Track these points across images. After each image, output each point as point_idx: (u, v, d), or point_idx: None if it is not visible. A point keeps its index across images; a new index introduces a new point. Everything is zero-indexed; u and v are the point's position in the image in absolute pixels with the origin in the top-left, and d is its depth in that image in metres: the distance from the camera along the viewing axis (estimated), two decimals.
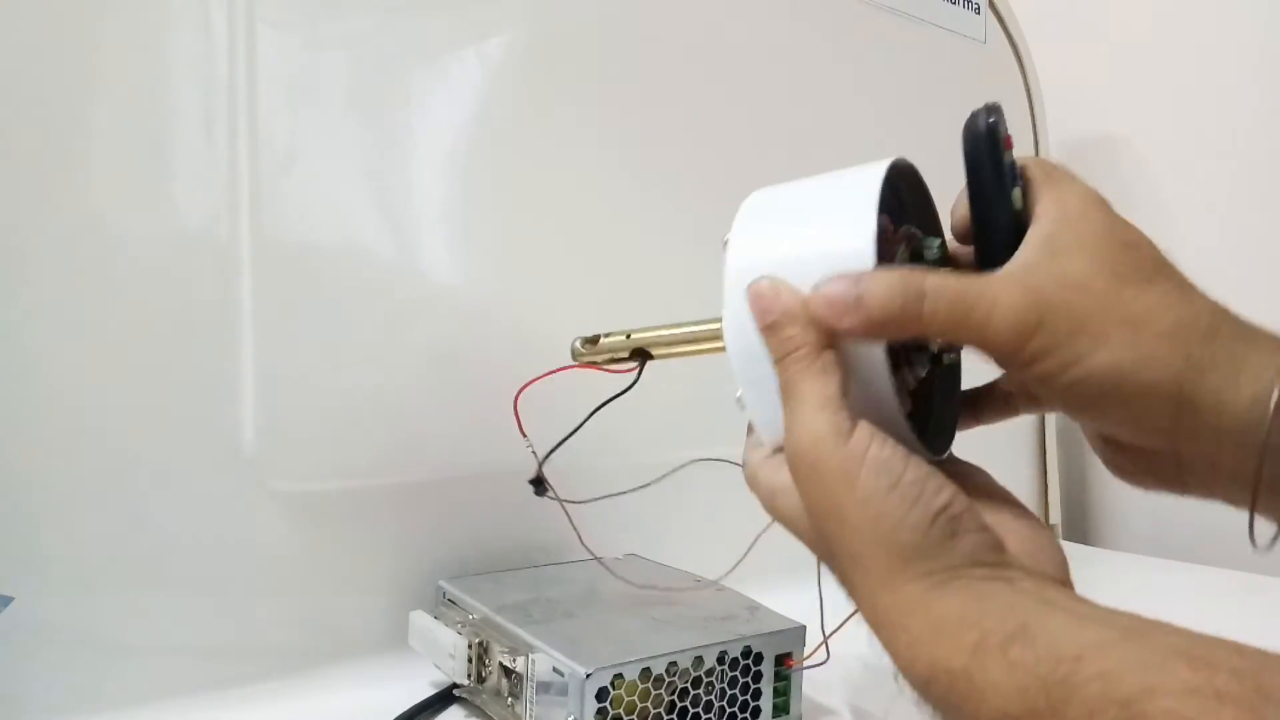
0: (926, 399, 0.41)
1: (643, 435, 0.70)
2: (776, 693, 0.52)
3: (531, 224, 0.71)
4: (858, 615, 0.35)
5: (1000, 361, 0.35)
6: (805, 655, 0.53)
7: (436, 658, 0.56)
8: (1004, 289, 0.34)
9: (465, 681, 0.54)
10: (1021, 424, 1.00)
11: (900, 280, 0.34)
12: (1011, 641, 0.29)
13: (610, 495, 0.52)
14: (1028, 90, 1.06)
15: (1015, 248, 0.36)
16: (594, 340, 0.50)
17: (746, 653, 0.51)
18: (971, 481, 0.38)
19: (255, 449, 0.59)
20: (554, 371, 0.49)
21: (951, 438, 0.42)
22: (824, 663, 0.52)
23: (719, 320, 0.40)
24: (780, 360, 0.36)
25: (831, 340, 0.35)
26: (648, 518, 0.72)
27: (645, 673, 0.48)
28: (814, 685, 0.55)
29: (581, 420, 0.47)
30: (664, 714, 0.49)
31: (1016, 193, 0.38)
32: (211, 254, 0.59)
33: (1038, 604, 0.30)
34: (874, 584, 0.32)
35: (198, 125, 0.59)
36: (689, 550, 0.64)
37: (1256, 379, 0.32)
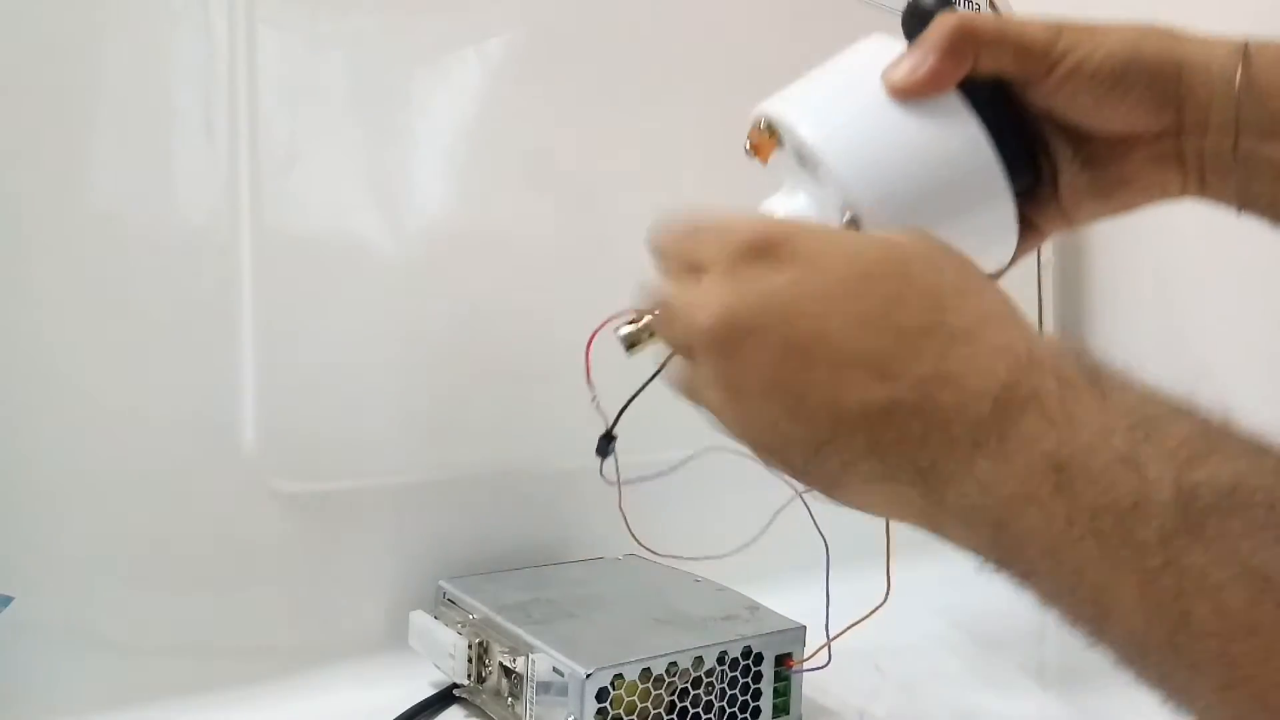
0: None
1: (644, 431, 0.70)
2: (776, 693, 0.52)
3: (532, 224, 0.71)
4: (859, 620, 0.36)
5: (1034, 72, 0.39)
6: (806, 656, 0.53)
7: (436, 658, 0.56)
8: (1023, 19, 0.40)
9: (465, 681, 0.54)
10: None
11: (955, 18, 0.39)
12: None
13: (652, 475, 0.50)
14: None
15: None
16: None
17: (746, 653, 0.51)
18: None
19: (255, 449, 0.59)
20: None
21: None
22: (825, 665, 0.52)
23: None
24: None
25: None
26: (648, 515, 0.71)
27: (645, 673, 0.48)
28: (814, 686, 0.55)
29: (651, 375, 0.43)
30: (664, 714, 0.49)
31: None
32: (212, 253, 0.59)
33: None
34: None
35: (198, 125, 0.59)
36: (689, 550, 0.64)
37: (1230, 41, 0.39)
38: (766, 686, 0.52)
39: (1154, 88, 0.39)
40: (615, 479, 0.49)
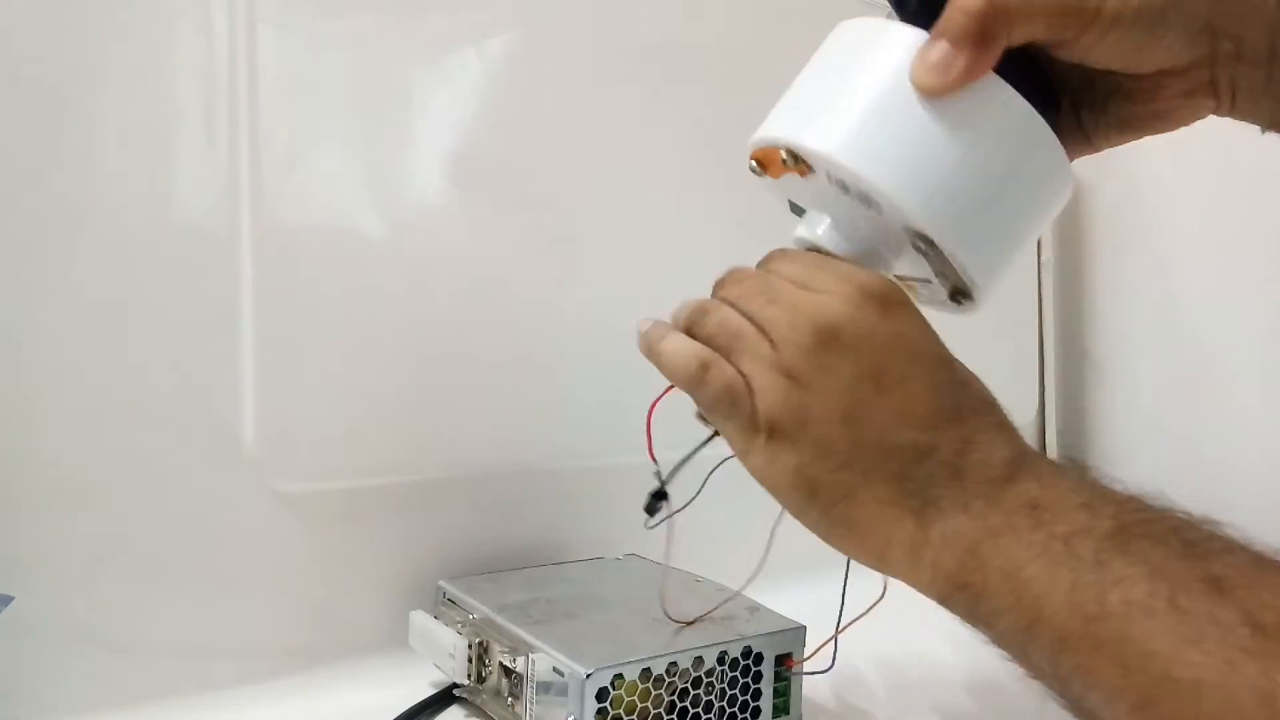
0: None
1: (640, 433, 0.70)
2: (776, 693, 0.52)
3: (533, 224, 0.71)
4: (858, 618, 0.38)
5: (1069, 33, 0.38)
6: (806, 656, 0.53)
7: (436, 658, 0.56)
8: None
9: (465, 681, 0.54)
10: (1021, 424, 1.00)
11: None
12: None
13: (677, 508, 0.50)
14: None
15: None
16: None
17: (746, 653, 0.51)
18: None
19: (255, 449, 0.59)
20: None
21: None
22: (829, 669, 0.52)
23: None
24: None
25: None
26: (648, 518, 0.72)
27: (645, 673, 0.48)
28: (814, 686, 0.55)
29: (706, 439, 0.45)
30: (664, 714, 0.49)
31: None
32: (212, 253, 0.59)
33: None
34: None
35: (198, 124, 0.59)
36: (689, 550, 0.64)
37: None
38: (766, 686, 0.52)
39: (1191, 24, 0.37)
40: (665, 535, 0.50)
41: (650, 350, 0.43)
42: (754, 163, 0.43)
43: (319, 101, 0.63)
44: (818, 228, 0.44)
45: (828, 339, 0.39)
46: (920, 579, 0.38)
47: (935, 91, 0.38)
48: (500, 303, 0.69)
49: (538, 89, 0.71)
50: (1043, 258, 1.00)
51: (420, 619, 0.57)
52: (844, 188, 0.41)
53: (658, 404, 0.45)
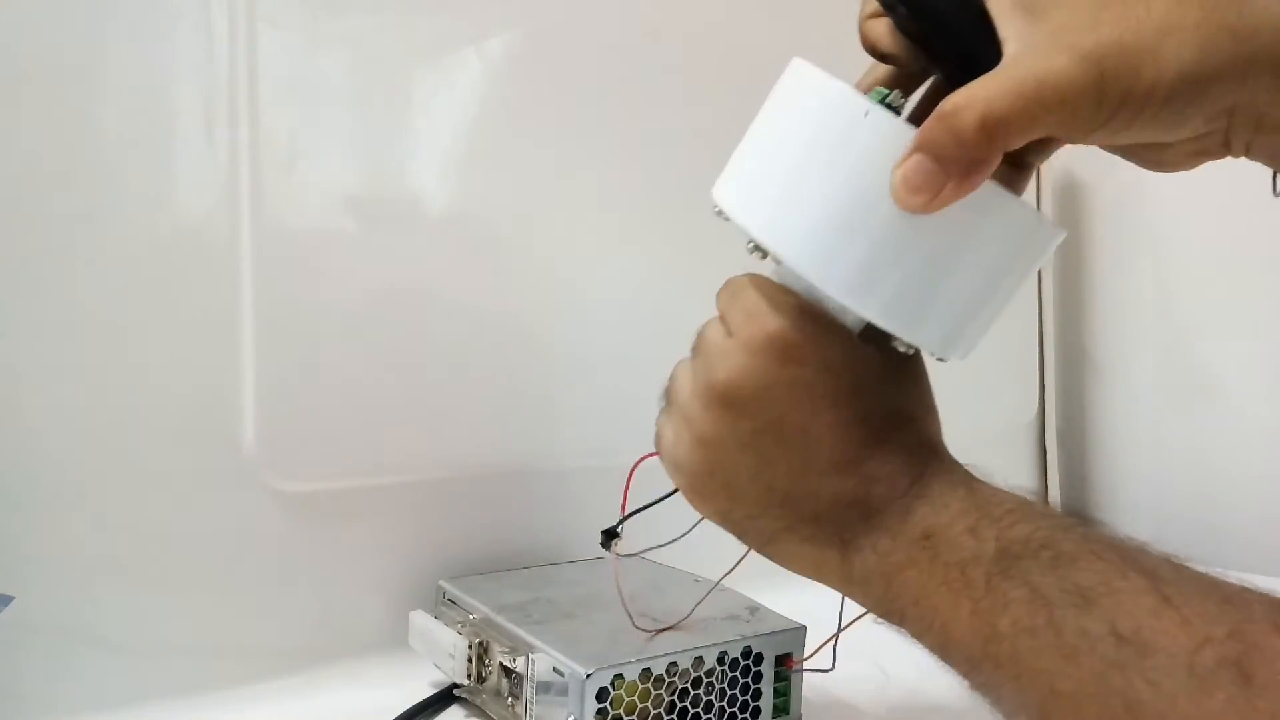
0: None
1: (640, 434, 0.70)
2: (776, 693, 0.52)
3: (533, 224, 0.71)
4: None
5: (1080, 131, 0.34)
6: (807, 656, 0.53)
7: (436, 658, 0.56)
8: (1043, 61, 0.32)
9: (465, 681, 0.54)
10: (1021, 424, 1.00)
11: (970, 112, 0.33)
12: None
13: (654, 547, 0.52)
14: None
15: (989, 31, 0.34)
16: None
17: (746, 653, 0.51)
18: None
19: (255, 449, 0.59)
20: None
21: None
22: (830, 669, 0.52)
23: None
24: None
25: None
26: (648, 518, 0.71)
27: (645, 673, 0.48)
28: (814, 686, 0.55)
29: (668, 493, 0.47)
30: (664, 714, 0.49)
31: None
32: (212, 253, 0.59)
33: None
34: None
35: (198, 124, 0.59)
36: (689, 550, 0.64)
37: None
38: (766, 686, 0.52)
39: (1214, 108, 0.33)
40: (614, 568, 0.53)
41: None
42: (717, 209, 0.41)
43: (319, 101, 0.63)
44: (773, 264, 0.42)
45: (727, 397, 0.40)
46: (858, 602, 0.41)
47: (918, 211, 0.35)
48: (500, 303, 0.69)
49: (537, 89, 0.71)
50: None
51: (420, 619, 0.57)
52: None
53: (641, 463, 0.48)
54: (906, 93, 0.39)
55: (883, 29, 0.39)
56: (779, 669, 0.52)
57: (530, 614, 0.54)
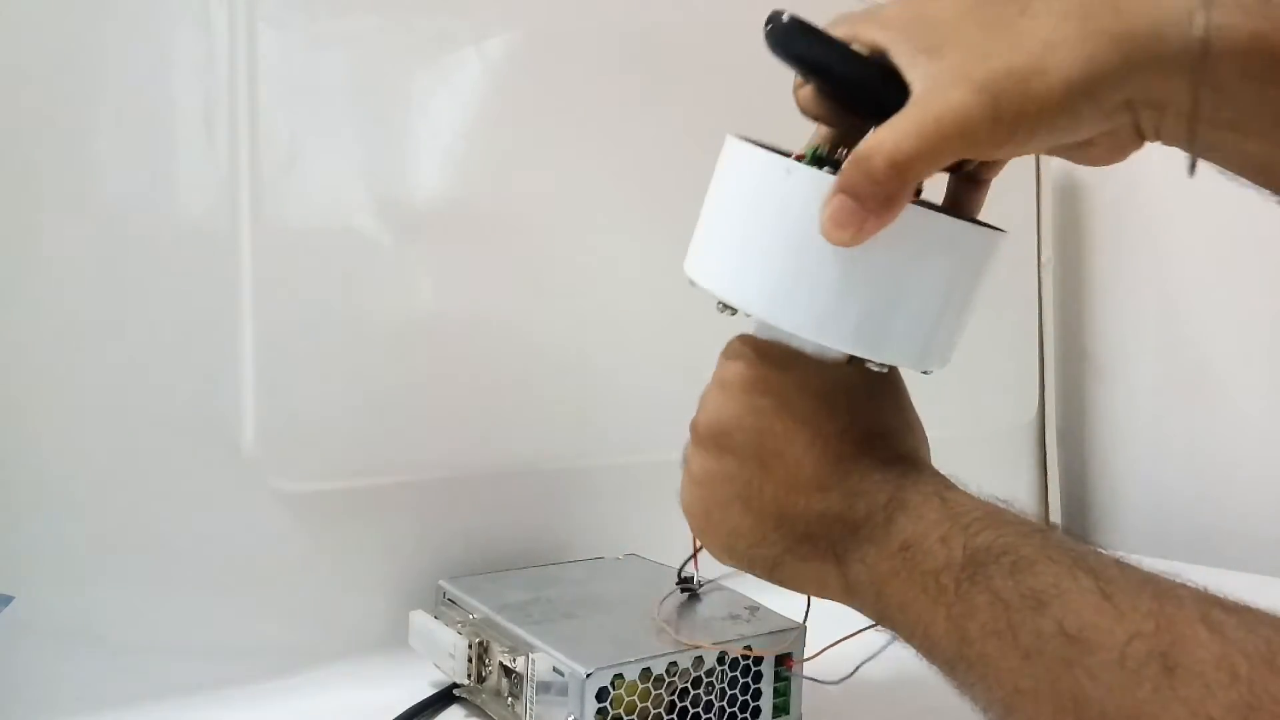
0: None
1: (639, 433, 0.70)
2: (776, 693, 0.52)
3: (532, 224, 0.71)
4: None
5: (983, 157, 0.39)
6: (807, 656, 0.53)
7: (436, 658, 0.56)
8: (940, 97, 0.36)
9: (465, 681, 0.54)
10: (1021, 424, 1.00)
11: (880, 159, 0.36)
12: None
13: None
14: None
15: (890, 79, 0.38)
16: None
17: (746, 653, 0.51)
18: None
19: (255, 449, 0.59)
20: None
21: None
22: (845, 679, 0.53)
23: None
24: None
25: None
26: (648, 518, 0.72)
27: (645, 673, 0.48)
28: (814, 686, 0.55)
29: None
30: (664, 714, 0.49)
31: (854, 45, 0.40)
32: (212, 253, 0.59)
33: None
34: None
35: (198, 124, 0.59)
36: (689, 550, 0.64)
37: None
38: (766, 686, 0.52)
39: (1108, 105, 0.36)
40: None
41: None
42: (690, 280, 0.45)
43: (319, 101, 0.63)
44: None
45: (708, 436, 0.45)
46: (859, 613, 0.43)
47: (849, 244, 0.38)
48: (501, 301, 0.69)
49: (537, 89, 0.71)
50: (1043, 258, 1.00)
51: (420, 619, 0.57)
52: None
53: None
54: (852, 143, 0.41)
55: (809, 96, 0.42)
56: (779, 669, 0.52)
57: (530, 614, 0.54)
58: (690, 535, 0.48)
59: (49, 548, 0.54)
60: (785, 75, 0.43)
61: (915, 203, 0.40)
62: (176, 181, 0.59)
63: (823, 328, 0.41)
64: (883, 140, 0.36)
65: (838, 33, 0.40)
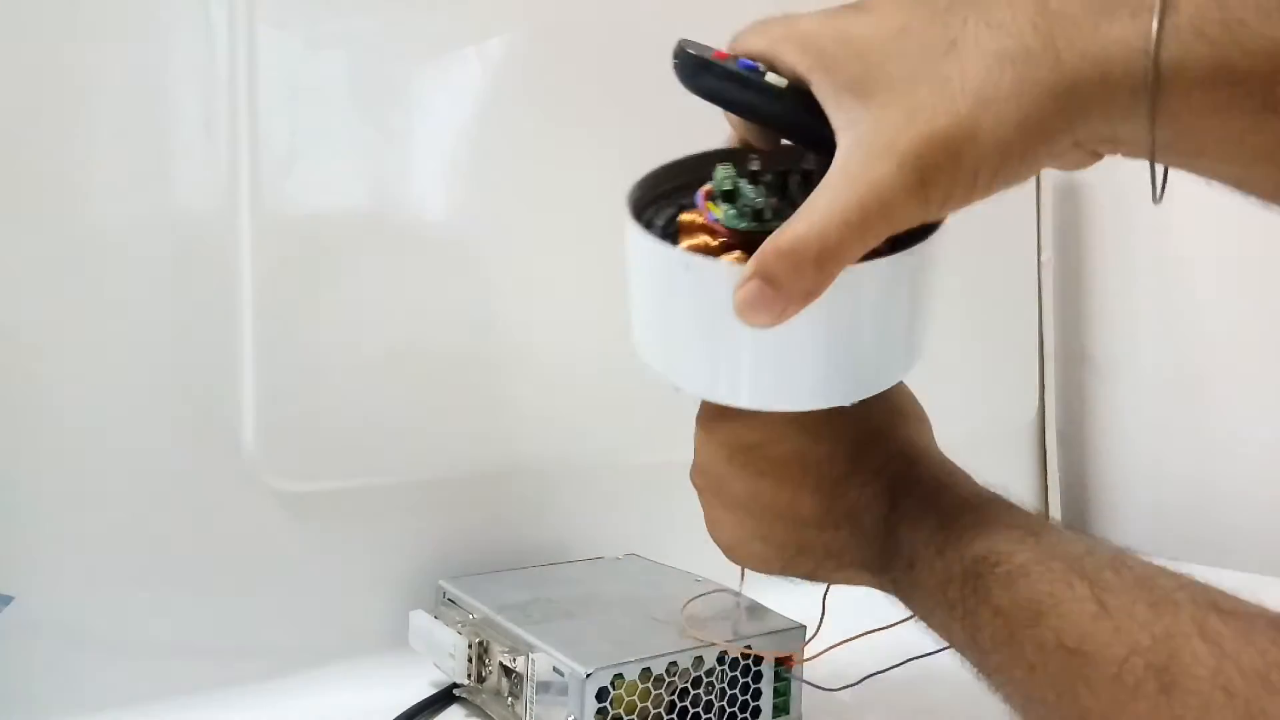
0: None
1: (639, 434, 0.70)
2: (776, 693, 0.52)
3: (532, 224, 0.71)
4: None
5: (923, 220, 0.35)
6: (808, 658, 0.53)
7: (436, 657, 0.56)
8: (866, 174, 0.33)
9: (465, 681, 0.54)
10: (1021, 424, 1.00)
11: (807, 253, 0.34)
12: None
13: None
14: None
15: (814, 108, 0.35)
16: None
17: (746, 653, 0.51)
18: None
19: (255, 449, 0.59)
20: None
21: None
22: (858, 682, 0.53)
23: None
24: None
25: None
26: (648, 518, 0.72)
27: (645, 673, 0.48)
28: (813, 685, 0.55)
29: None
30: (664, 714, 0.49)
31: (769, 75, 0.37)
32: (212, 253, 0.59)
33: None
34: None
35: (198, 125, 0.59)
36: (689, 550, 0.64)
37: (1123, 24, 0.31)
38: (766, 686, 0.52)
39: (1051, 149, 0.34)
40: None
41: None
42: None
43: (319, 101, 0.63)
44: None
45: (709, 493, 0.47)
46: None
47: (768, 326, 0.36)
48: (501, 301, 0.69)
49: (538, 90, 0.71)
50: (1043, 258, 1.00)
51: (420, 619, 0.57)
52: None
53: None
54: (775, 163, 0.41)
55: (736, 122, 0.42)
56: (779, 669, 0.52)
57: (530, 614, 0.54)
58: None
59: (49, 548, 0.54)
60: None
61: None
62: (176, 181, 0.59)
63: (775, 399, 0.40)
64: (810, 235, 0.34)
65: (755, 47, 0.38)
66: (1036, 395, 1.00)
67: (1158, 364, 0.97)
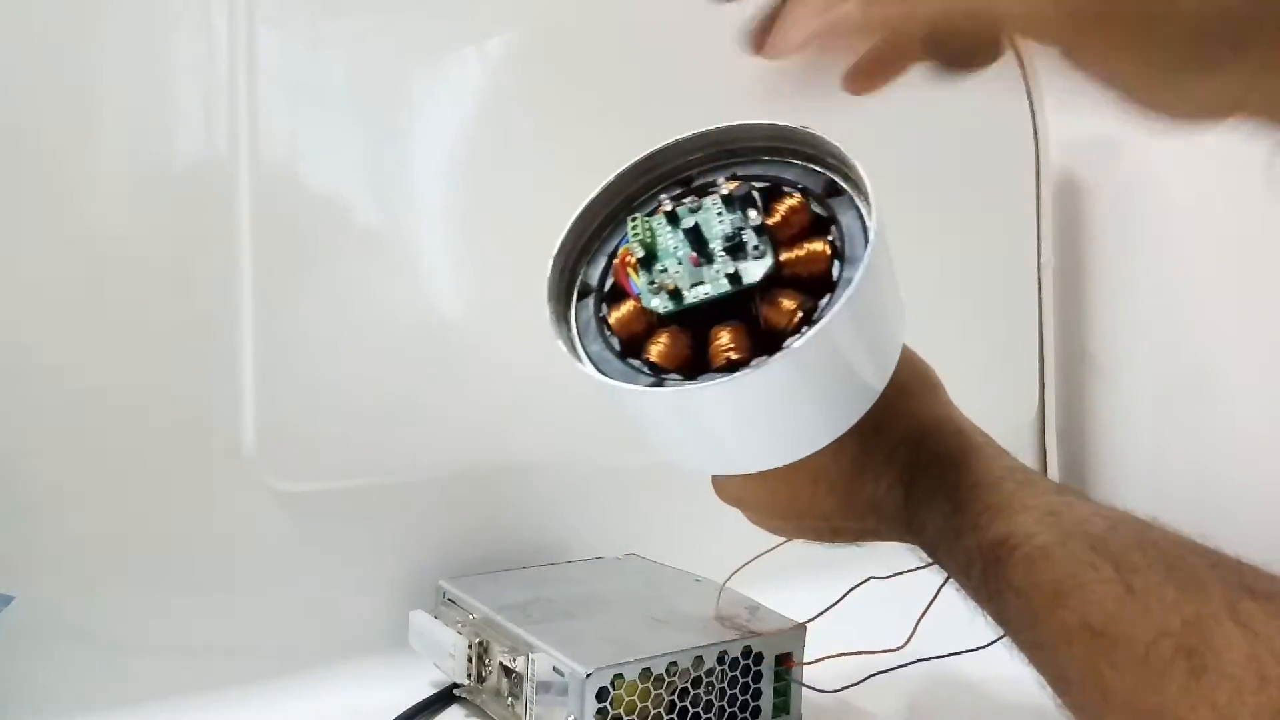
0: None
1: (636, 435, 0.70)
2: (776, 693, 0.52)
3: (533, 223, 0.71)
4: None
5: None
6: (809, 661, 0.53)
7: (436, 657, 0.56)
8: None
9: (465, 681, 0.54)
10: (1021, 424, 1.00)
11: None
12: None
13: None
14: (1028, 89, 1.07)
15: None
16: None
17: (746, 653, 0.51)
18: None
19: (255, 449, 0.59)
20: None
21: None
22: (859, 682, 0.53)
23: None
24: None
25: None
26: (648, 518, 0.71)
27: (645, 673, 0.48)
28: (814, 686, 0.55)
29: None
30: (664, 714, 0.49)
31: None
32: (212, 253, 0.59)
33: None
34: None
35: (198, 125, 0.59)
36: (689, 550, 0.64)
37: None
38: (766, 686, 0.52)
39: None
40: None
41: None
42: None
43: (319, 101, 0.63)
44: None
45: (735, 504, 0.50)
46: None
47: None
48: (500, 302, 0.69)
49: (538, 90, 0.71)
50: (1043, 258, 1.00)
51: (420, 619, 0.57)
52: None
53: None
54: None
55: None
56: (779, 669, 0.52)
57: (530, 614, 0.54)
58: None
59: (49, 548, 0.54)
60: None
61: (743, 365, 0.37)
62: (176, 181, 0.58)
63: (768, 460, 0.41)
64: None
65: None
66: (1036, 395, 1.00)
67: (1158, 364, 0.97)
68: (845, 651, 0.52)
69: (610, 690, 0.47)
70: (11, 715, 0.53)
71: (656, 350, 0.39)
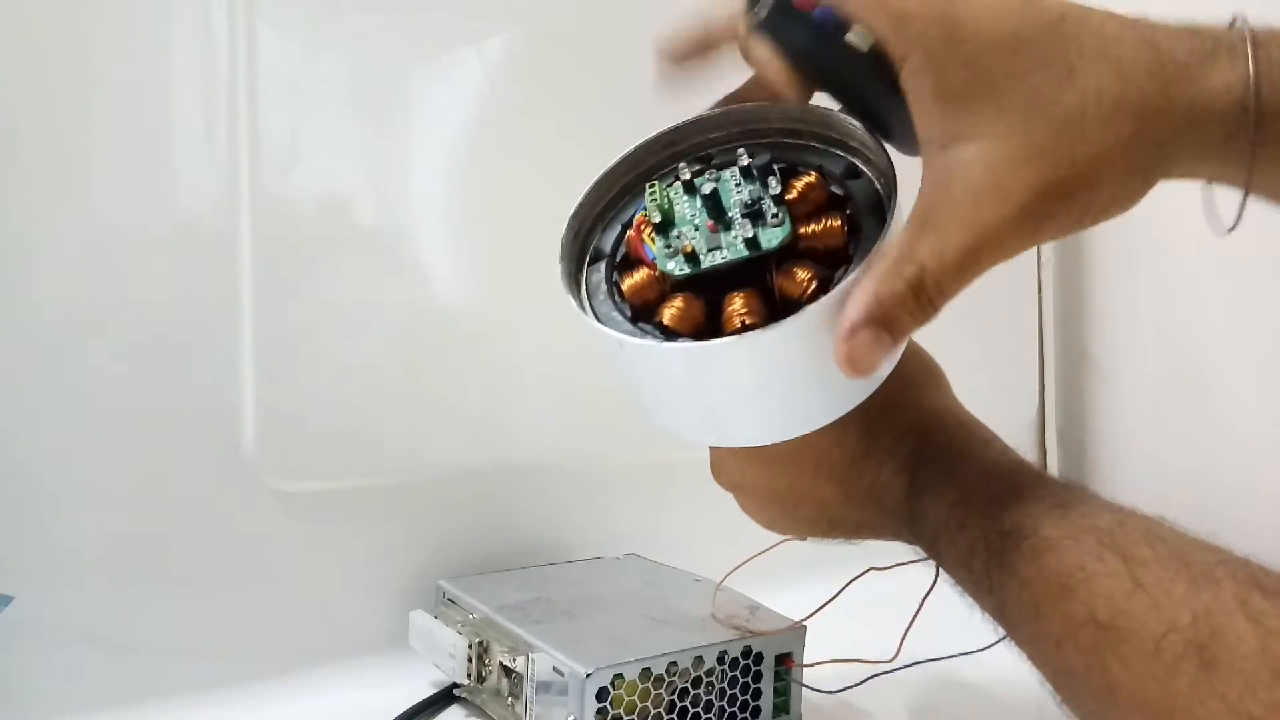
0: None
1: (640, 433, 0.70)
2: (776, 693, 0.52)
3: (533, 223, 0.71)
4: None
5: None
6: (809, 664, 0.53)
7: (436, 657, 0.56)
8: (984, 213, 0.34)
9: (465, 681, 0.54)
10: (1021, 424, 1.00)
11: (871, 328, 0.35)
12: None
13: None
14: None
15: (885, 78, 0.34)
16: None
17: (746, 653, 0.51)
18: None
19: (255, 449, 0.59)
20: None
21: None
22: (859, 683, 0.53)
23: None
24: None
25: None
26: (648, 518, 0.71)
27: (645, 673, 0.48)
28: (814, 685, 0.55)
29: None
30: (664, 714, 0.49)
31: (851, 34, 0.36)
32: (212, 254, 0.59)
33: None
34: None
35: (198, 124, 0.59)
36: (689, 550, 0.64)
37: (1224, 70, 0.34)
38: (766, 686, 0.52)
39: (1150, 187, 0.36)
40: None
41: None
42: None
43: (319, 101, 0.63)
44: None
45: (734, 492, 0.49)
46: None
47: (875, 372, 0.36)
48: (500, 301, 0.69)
49: (538, 90, 0.71)
50: (1043, 258, 1.00)
51: (420, 619, 0.57)
52: None
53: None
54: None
55: (777, 69, 0.38)
56: (779, 669, 0.52)
57: (530, 614, 0.54)
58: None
59: (49, 548, 0.54)
60: None
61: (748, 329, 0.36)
62: (176, 181, 0.59)
63: (769, 434, 0.40)
64: (924, 276, 0.34)
65: (843, 3, 0.36)
66: (1036, 395, 1.00)
67: (1158, 364, 0.97)
68: (845, 659, 0.53)
69: (610, 690, 0.47)
70: (11, 715, 0.53)
71: (670, 314, 0.38)
